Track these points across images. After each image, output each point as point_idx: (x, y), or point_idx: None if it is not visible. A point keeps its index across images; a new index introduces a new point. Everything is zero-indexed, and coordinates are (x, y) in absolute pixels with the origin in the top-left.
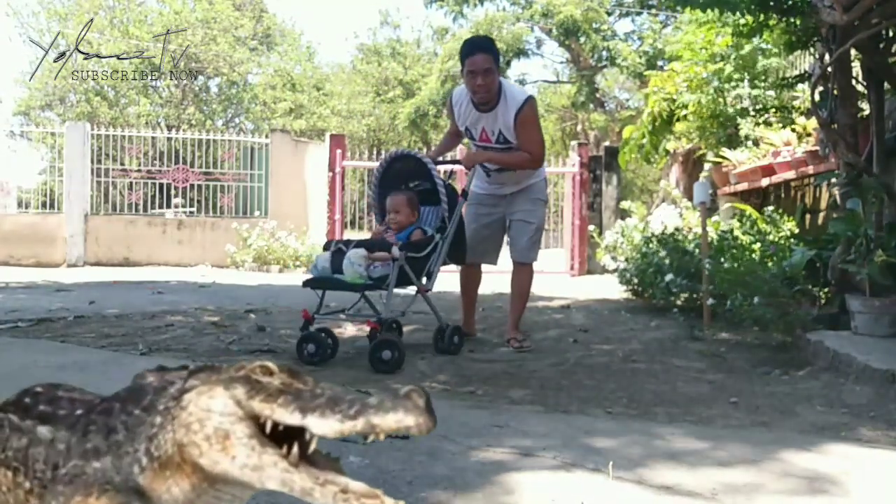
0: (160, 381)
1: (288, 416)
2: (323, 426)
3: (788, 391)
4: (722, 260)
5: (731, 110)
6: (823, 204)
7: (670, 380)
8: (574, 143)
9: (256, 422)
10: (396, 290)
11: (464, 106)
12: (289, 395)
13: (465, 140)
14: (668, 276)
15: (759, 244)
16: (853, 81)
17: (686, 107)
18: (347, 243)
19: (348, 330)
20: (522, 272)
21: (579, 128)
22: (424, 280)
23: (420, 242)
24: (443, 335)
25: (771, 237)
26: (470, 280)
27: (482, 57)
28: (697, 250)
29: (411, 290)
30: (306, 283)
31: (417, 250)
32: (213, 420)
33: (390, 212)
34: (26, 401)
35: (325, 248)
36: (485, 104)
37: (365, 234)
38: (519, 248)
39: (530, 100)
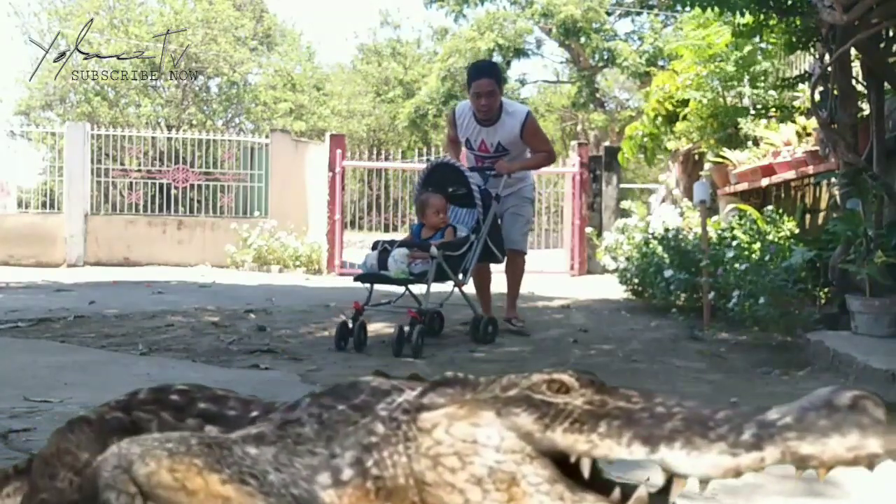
0: (381, 382)
1: (623, 451)
2: (699, 463)
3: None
4: (725, 259)
5: (731, 109)
6: (823, 204)
7: (670, 380)
8: (574, 143)
9: (555, 460)
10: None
11: (466, 120)
12: (613, 418)
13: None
14: (668, 272)
15: (759, 244)
16: (853, 81)
17: (687, 104)
18: (392, 243)
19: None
20: (517, 259)
21: (579, 128)
22: (461, 276)
23: (456, 242)
24: (478, 326)
25: (771, 237)
26: (482, 276)
27: (487, 81)
28: (698, 250)
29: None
30: (357, 279)
31: (454, 249)
32: (483, 457)
33: (438, 211)
34: (173, 398)
35: (373, 247)
36: (487, 120)
37: (365, 234)
38: (512, 238)
39: (530, 113)
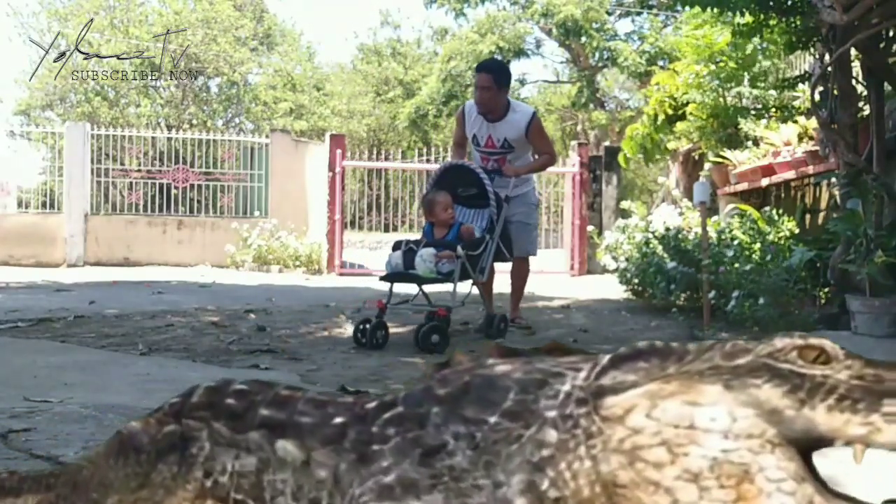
0: (525, 369)
1: None
2: None
3: None
4: (725, 259)
5: (731, 109)
6: (823, 204)
7: None
8: (574, 143)
9: (799, 449)
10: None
11: (474, 116)
12: None
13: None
14: (671, 265)
15: (759, 244)
16: (853, 81)
17: (687, 104)
18: (417, 243)
19: (348, 330)
20: (523, 264)
21: (579, 128)
22: (479, 274)
23: (475, 241)
24: (491, 323)
25: (771, 237)
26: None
27: (485, 76)
28: (698, 251)
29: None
30: (384, 278)
31: (474, 248)
32: (705, 445)
33: (446, 207)
34: (229, 402)
35: (395, 247)
36: (488, 113)
37: (365, 234)
38: (521, 245)
39: (536, 113)
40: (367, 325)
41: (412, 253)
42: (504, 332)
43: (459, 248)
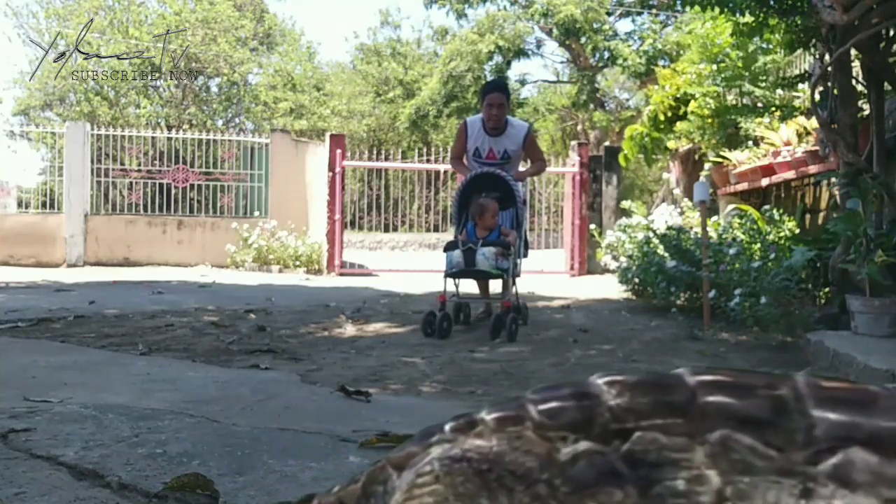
0: None
1: None
2: None
3: None
4: (727, 257)
5: (732, 108)
6: (823, 204)
7: None
8: (574, 143)
9: None
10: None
11: (476, 130)
12: None
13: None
14: (671, 263)
15: (759, 244)
16: (853, 81)
17: (690, 100)
18: (476, 243)
19: (348, 331)
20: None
21: (579, 128)
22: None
23: (515, 241)
24: (520, 310)
25: (771, 237)
26: None
27: (498, 95)
28: (698, 250)
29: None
30: (450, 274)
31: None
32: None
33: (495, 214)
34: (725, 402)
35: (448, 248)
36: (495, 129)
37: (365, 234)
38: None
39: (531, 127)
40: (434, 317)
41: (472, 252)
42: (527, 317)
43: (512, 249)
